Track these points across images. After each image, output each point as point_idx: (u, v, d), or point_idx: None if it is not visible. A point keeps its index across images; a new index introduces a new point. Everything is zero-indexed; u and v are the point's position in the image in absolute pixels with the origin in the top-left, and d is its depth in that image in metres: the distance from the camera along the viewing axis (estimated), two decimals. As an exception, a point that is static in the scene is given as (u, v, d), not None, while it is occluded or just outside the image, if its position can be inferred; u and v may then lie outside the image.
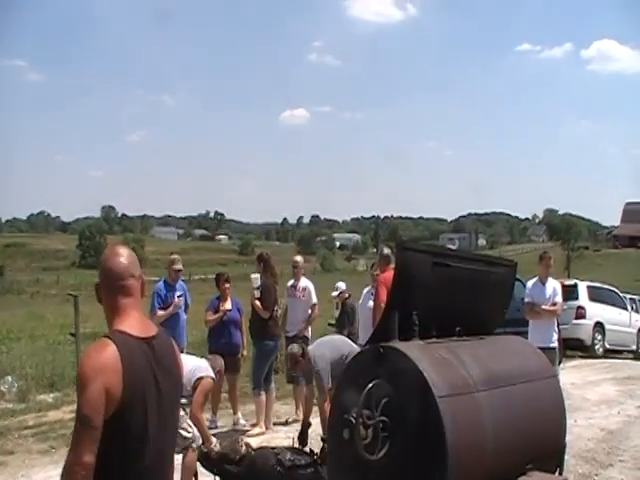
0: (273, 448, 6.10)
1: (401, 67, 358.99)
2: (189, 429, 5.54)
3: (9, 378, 10.54)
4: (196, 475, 5.76)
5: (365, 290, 8.98)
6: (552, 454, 4.39)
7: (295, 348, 6.37)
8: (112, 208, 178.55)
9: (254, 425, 8.19)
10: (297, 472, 5.61)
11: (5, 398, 10.08)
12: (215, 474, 5.79)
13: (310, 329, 8.87)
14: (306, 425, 6.26)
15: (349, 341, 6.77)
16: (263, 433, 7.95)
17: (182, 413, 5.52)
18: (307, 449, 6.00)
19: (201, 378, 5.74)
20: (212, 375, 5.88)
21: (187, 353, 7.85)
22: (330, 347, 6.31)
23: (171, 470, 2.60)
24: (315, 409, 6.44)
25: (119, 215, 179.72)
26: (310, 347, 6.45)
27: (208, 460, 5.70)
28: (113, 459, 2.31)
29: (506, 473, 3.84)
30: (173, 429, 2.59)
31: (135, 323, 2.45)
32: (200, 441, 5.63)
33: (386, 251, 8.33)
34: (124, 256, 2.55)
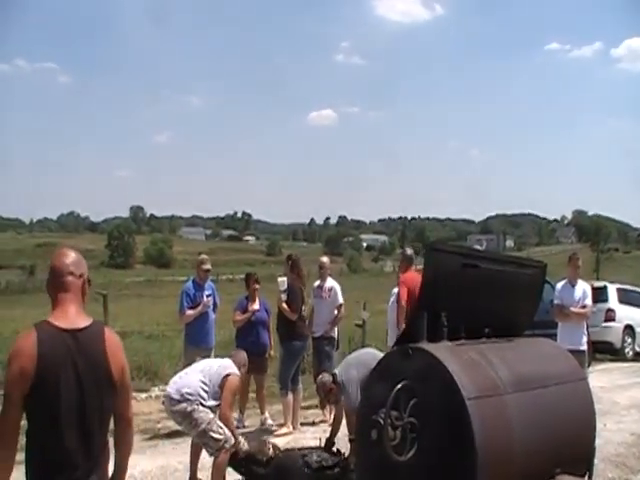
0: (300, 449, 6.12)
1: (427, 66, 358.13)
2: (220, 431, 5.54)
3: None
4: (224, 478, 5.77)
5: (394, 291, 8.96)
6: (581, 458, 4.35)
7: (325, 377, 6.27)
8: (140, 208, 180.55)
9: (281, 425, 8.20)
10: (324, 473, 5.65)
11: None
12: (242, 474, 5.82)
13: (336, 330, 8.85)
14: (332, 441, 6.19)
15: (378, 354, 6.62)
16: (290, 433, 7.96)
17: (211, 416, 5.56)
18: (335, 449, 6.01)
19: (228, 375, 5.73)
20: (237, 372, 5.85)
21: (215, 355, 7.93)
22: (357, 365, 6.13)
23: (101, 457, 2.80)
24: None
25: (147, 215, 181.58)
26: (337, 370, 6.33)
27: (235, 460, 5.72)
28: (33, 435, 2.68)
29: (535, 476, 3.82)
30: (99, 413, 2.76)
31: (65, 316, 2.75)
32: (232, 441, 5.63)
33: (409, 252, 8.31)
34: (67, 256, 2.86)
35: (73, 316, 2.76)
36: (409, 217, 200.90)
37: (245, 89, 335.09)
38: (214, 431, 5.50)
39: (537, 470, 3.85)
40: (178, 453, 7.11)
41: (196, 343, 8.01)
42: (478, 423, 3.53)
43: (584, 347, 7.83)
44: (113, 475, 2.95)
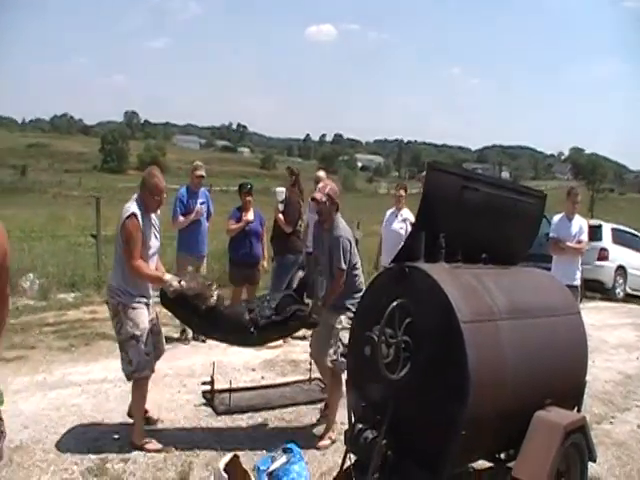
0: (247, 302, 5.54)
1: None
2: (135, 357, 4.85)
3: (31, 275, 10.66)
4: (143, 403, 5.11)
5: (388, 212, 8.92)
6: (571, 391, 4.36)
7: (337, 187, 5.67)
8: (135, 114, 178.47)
9: (271, 337, 8.24)
10: (275, 329, 5.12)
11: (27, 295, 10.23)
12: (176, 316, 5.25)
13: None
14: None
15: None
16: (280, 346, 7.99)
17: (137, 333, 4.83)
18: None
19: (124, 225, 4.76)
20: (131, 211, 4.76)
21: (207, 264, 7.85)
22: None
23: None
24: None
25: (142, 121, 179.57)
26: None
27: (166, 298, 4.88)
28: None
29: (525, 405, 3.83)
30: None
31: None
32: (146, 372, 4.93)
33: None
34: None
35: None
36: (405, 140, 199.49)
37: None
38: (127, 353, 4.85)
39: (528, 398, 3.85)
40: (168, 358, 7.17)
41: (188, 250, 7.96)
42: (472, 347, 3.51)
43: (577, 282, 7.80)
44: None
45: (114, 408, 5.65)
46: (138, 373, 4.89)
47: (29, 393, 6.02)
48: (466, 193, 4.26)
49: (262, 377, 6.89)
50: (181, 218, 7.91)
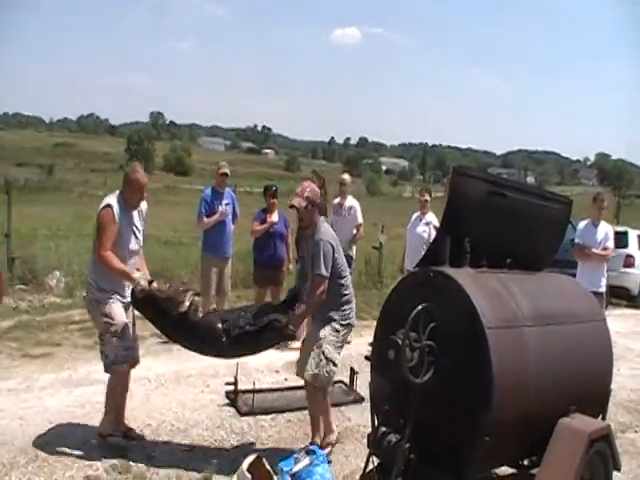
0: (225, 312, 5.40)
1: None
2: (111, 351, 4.80)
3: (57, 273, 10.79)
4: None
5: (414, 216, 8.89)
6: (596, 398, 4.33)
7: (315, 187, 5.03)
8: (160, 115, 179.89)
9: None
10: (243, 340, 4.81)
11: (53, 292, 10.35)
12: (145, 315, 4.88)
13: (355, 249, 8.79)
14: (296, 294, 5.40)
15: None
16: (302, 347, 8.01)
17: (112, 330, 4.78)
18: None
19: (98, 215, 4.76)
20: (109, 202, 4.75)
21: (232, 265, 7.86)
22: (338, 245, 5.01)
23: None
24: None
25: (167, 122, 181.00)
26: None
27: (134, 297, 4.76)
28: None
29: (549, 410, 3.81)
30: None
31: None
32: (125, 364, 4.88)
33: None
34: None
35: None
36: (430, 144, 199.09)
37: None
38: (105, 346, 4.84)
39: (551, 404, 3.83)
40: (192, 357, 7.21)
41: (213, 251, 7.99)
42: (496, 353, 3.51)
43: (603, 289, 7.69)
44: None
45: (138, 406, 5.70)
46: (116, 366, 4.84)
47: (54, 390, 6.10)
48: (491, 198, 4.25)
49: (285, 379, 6.91)
50: (205, 219, 7.95)
